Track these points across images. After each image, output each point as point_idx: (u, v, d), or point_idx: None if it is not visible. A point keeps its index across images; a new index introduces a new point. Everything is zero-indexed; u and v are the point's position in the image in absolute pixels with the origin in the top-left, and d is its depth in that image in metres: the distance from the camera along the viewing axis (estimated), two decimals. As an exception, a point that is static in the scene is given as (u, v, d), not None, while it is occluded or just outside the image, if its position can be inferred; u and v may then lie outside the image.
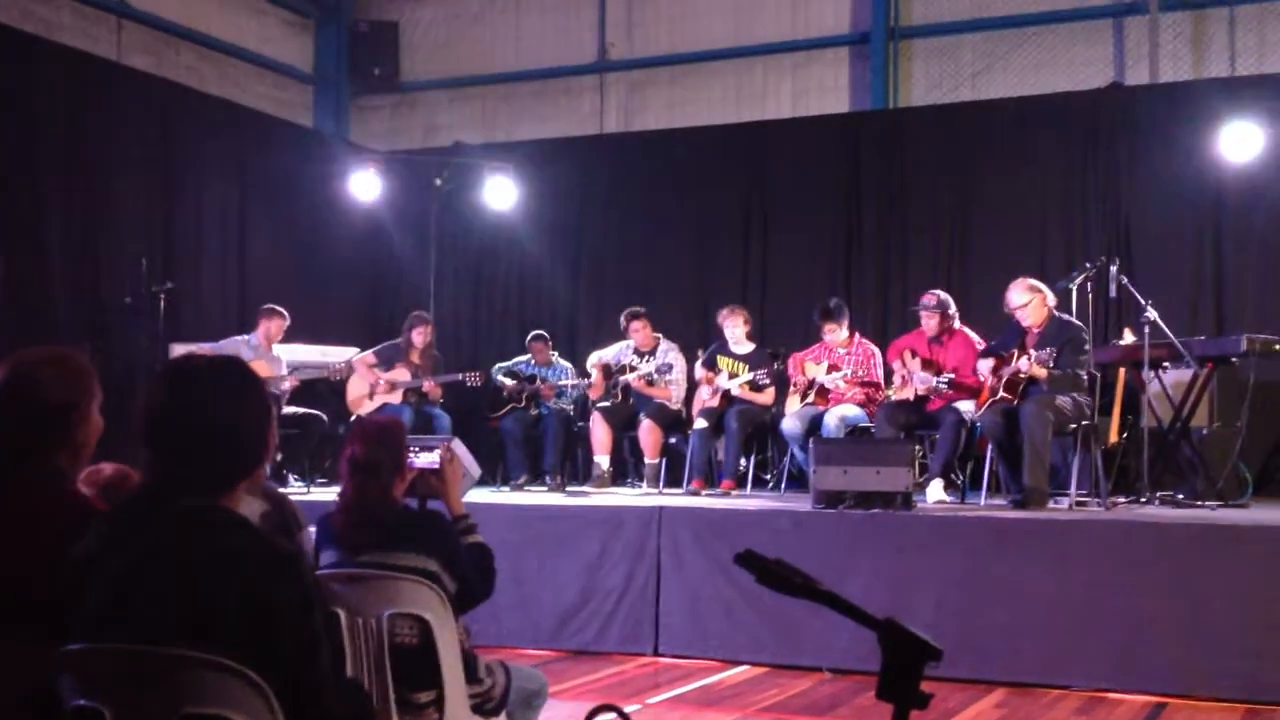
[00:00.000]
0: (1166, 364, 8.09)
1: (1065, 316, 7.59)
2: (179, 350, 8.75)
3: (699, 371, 9.27)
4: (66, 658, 2.22)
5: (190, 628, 2.14)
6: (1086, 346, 7.41)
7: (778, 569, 1.80)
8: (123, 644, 2.18)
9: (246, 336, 9.42)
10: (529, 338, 10.19)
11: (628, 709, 2.55)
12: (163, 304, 9.27)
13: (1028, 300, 7.50)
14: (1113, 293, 7.91)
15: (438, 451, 4.03)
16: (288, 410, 9.18)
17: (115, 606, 2.20)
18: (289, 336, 9.62)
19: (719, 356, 9.20)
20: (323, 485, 9.18)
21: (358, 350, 9.89)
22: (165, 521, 2.24)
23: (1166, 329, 7.70)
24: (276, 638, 2.17)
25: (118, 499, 2.94)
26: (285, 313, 9.49)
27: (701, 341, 9.69)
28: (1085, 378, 7.40)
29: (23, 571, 2.51)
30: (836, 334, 8.75)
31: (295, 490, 8.49)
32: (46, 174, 9.35)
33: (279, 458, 8.68)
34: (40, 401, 2.66)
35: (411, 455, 3.90)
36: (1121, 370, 8.35)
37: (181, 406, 2.30)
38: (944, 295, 8.27)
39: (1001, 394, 7.48)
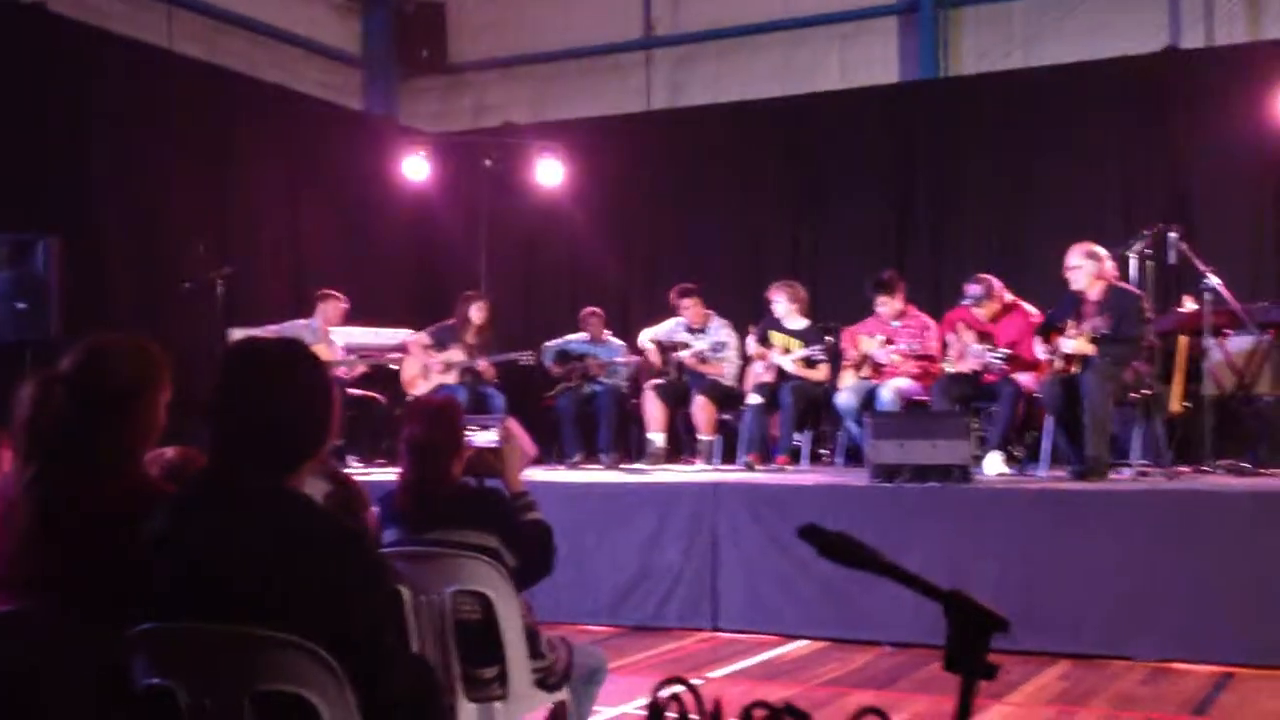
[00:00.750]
0: (1228, 331, 7.98)
1: (1123, 285, 7.49)
2: (237, 334, 8.85)
3: (752, 347, 9.25)
4: (138, 637, 2.25)
5: (258, 606, 2.17)
6: (1146, 315, 7.32)
7: (841, 542, 1.78)
8: (193, 623, 2.21)
9: (307, 321, 9.54)
10: (583, 312, 10.21)
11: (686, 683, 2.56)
12: (220, 289, 9.36)
13: (1080, 265, 7.41)
14: (1172, 259, 7.80)
15: (496, 430, 4.05)
16: (347, 392, 9.28)
17: (184, 586, 2.23)
18: (344, 319, 9.72)
19: (772, 332, 9.17)
20: (382, 465, 9.26)
21: (410, 331, 9.95)
22: (232, 502, 2.27)
23: (1227, 295, 7.58)
24: (343, 615, 2.19)
25: (183, 481, 2.98)
26: (342, 296, 9.61)
27: (753, 317, 9.65)
28: (1143, 346, 7.31)
29: (91, 552, 2.55)
30: (890, 306, 8.68)
31: (355, 470, 8.57)
32: (103, 162, 9.48)
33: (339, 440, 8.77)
34: (108, 385, 2.70)
35: (470, 434, 3.93)
36: (1182, 338, 8.24)
37: (245, 389, 2.33)
38: (990, 281, 8.13)
39: (1060, 364, 7.40)
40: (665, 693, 1.90)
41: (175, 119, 10.05)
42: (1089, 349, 7.22)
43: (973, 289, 8.11)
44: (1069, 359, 7.36)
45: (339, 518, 2.36)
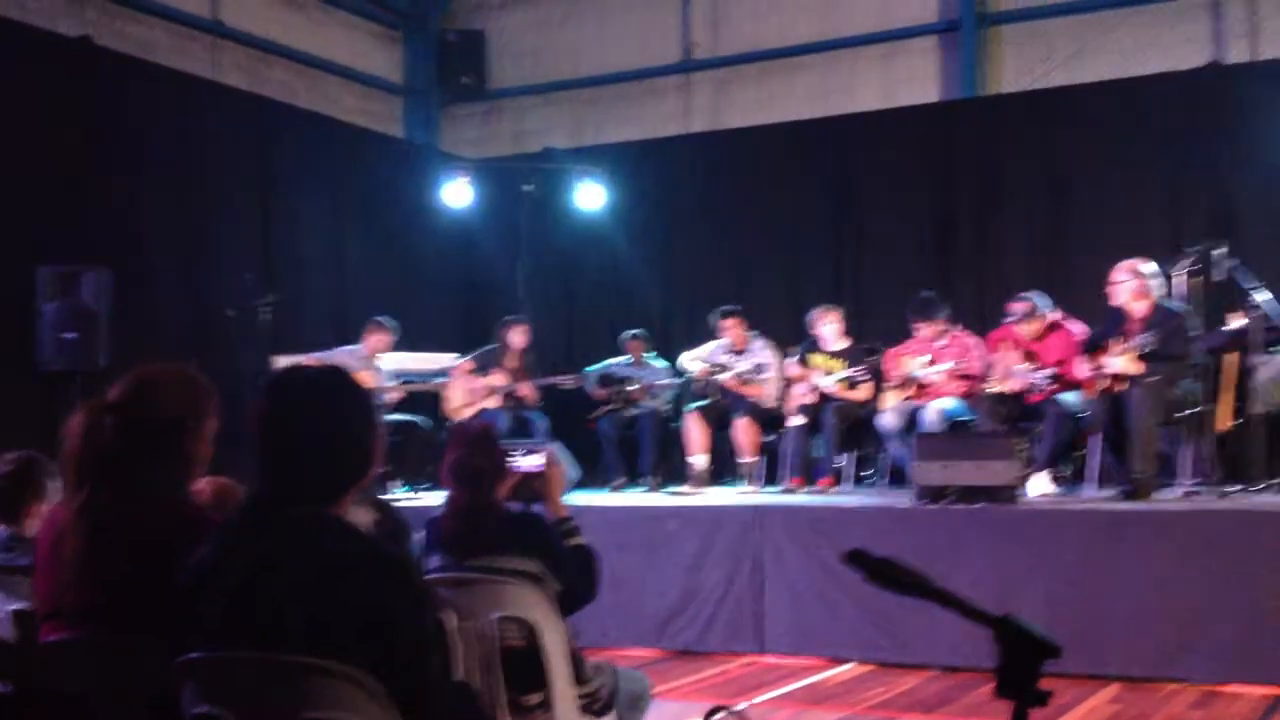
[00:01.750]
0: (1277, 347, 7.88)
1: (1169, 303, 7.42)
2: (283, 362, 8.90)
3: (793, 369, 9.22)
4: (187, 666, 2.26)
5: (306, 634, 2.17)
6: (1192, 332, 7.24)
7: (887, 568, 1.77)
8: (241, 652, 2.22)
9: (353, 348, 9.58)
10: (625, 335, 10.21)
11: (735, 708, 2.55)
12: (265, 317, 9.43)
13: (1122, 280, 7.35)
14: (1219, 276, 7.70)
15: (540, 455, 4.05)
16: (390, 418, 9.30)
17: (233, 615, 2.24)
18: (390, 347, 9.75)
19: (812, 354, 9.13)
20: (426, 491, 9.29)
21: (455, 356, 9.99)
22: (277, 531, 2.27)
23: (1277, 312, 7.49)
24: (390, 642, 2.19)
25: (226, 511, 3.00)
26: (390, 327, 9.62)
27: (794, 338, 9.63)
28: (1190, 364, 7.23)
29: (140, 581, 2.57)
30: (929, 329, 8.60)
31: (399, 497, 8.60)
32: (149, 193, 9.58)
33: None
34: (156, 414, 2.72)
35: (514, 459, 3.93)
36: (1230, 355, 8.14)
37: (288, 416, 2.33)
38: (1034, 299, 8.07)
39: (1106, 383, 7.33)
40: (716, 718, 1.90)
41: (220, 149, 10.17)
42: (1134, 367, 7.15)
43: (1016, 307, 8.05)
44: (1115, 377, 7.29)
45: (385, 544, 2.36)
